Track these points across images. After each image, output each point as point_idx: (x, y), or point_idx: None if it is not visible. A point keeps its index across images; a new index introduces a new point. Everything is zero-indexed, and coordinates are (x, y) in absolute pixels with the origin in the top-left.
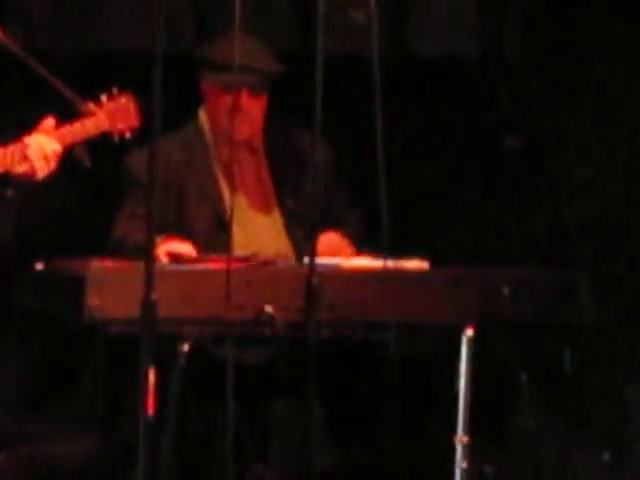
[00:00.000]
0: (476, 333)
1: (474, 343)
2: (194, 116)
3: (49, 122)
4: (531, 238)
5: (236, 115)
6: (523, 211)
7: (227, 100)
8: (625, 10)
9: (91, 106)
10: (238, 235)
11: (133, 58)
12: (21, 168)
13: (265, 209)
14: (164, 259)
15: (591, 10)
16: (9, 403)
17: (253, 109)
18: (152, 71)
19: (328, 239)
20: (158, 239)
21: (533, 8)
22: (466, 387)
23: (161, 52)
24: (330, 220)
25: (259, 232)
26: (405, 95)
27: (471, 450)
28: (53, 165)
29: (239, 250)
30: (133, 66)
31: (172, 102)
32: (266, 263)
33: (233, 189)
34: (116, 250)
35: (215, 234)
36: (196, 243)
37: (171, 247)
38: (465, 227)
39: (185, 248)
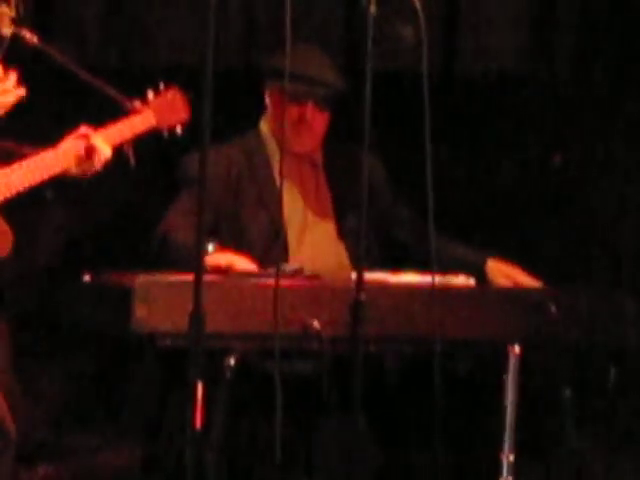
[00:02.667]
0: (523, 350)
1: (521, 359)
2: (255, 125)
3: (85, 129)
4: (578, 256)
5: (300, 127)
6: (570, 229)
7: (293, 111)
8: None
9: (137, 104)
10: (295, 245)
11: (182, 72)
12: (76, 170)
13: (323, 221)
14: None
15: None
16: (56, 415)
17: (317, 123)
18: (200, 83)
19: (501, 267)
20: (210, 247)
21: (583, 25)
22: (512, 403)
23: (210, 59)
24: (400, 234)
25: (317, 242)
26: (454, 112)
27: (516, 466)
28: (99, 168)
29: (297, 260)
30: (182, 81)
31: (226, 112)
32: (312, 278)
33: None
34: (161, 242)
35: (271, 243)
36: (252, 250)
37: (218, 260)
38: (512, 243)
39: (241, 262)
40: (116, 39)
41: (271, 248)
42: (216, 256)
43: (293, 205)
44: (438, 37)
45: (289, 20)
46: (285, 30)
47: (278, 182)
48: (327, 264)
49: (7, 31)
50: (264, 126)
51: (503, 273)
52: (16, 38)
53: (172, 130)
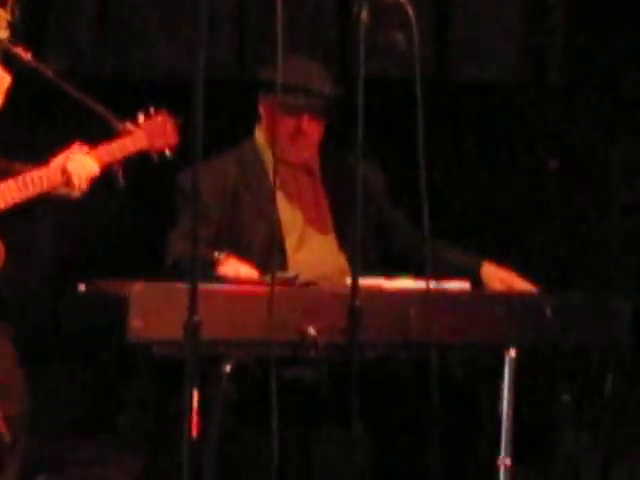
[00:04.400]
0: (519, 354)
1: (517, 364)
2: (250, 135)
3: (78, 146)
4: (571, 259)
5: (296, 138)
6: (563, 233)
7: (288, 122)
8: None
9: (129, 125)
10: (295, 253)
11: (175, 82)
12: (61, 190)
13: (321, 229)
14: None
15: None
16: (55, 426)
17: (313, 133)
18: (193, 92)
19: (496, 271)
20: (219, 256)
21: (575, 31)
22: (509, 408)
23: (202, 70)
24: (397, 241)
25: (316, 250)
26: (447, 117)
27: (514, 471)
28: (86, 186)
29: (296, 268)
30: (176, 90)
31: (220, 123)
32: (308, 285)
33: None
34: (174, 270)
35: (269, 252)
36: (251, 260)
37: (227, 270)
38: (509, 248)
39: (244, 270)
40: (109, 51)
41: (269, 257)
42: (226, 265)
43: (291, 214)
44: (429, 43)
45: (280, 30)
46: (277, 41)
47: (274, 191)
48: (326, 272)
49: (3, 34)
50: (259, 135)
51: (498, 277)
52: (10, 55)
53: (161, 153)
